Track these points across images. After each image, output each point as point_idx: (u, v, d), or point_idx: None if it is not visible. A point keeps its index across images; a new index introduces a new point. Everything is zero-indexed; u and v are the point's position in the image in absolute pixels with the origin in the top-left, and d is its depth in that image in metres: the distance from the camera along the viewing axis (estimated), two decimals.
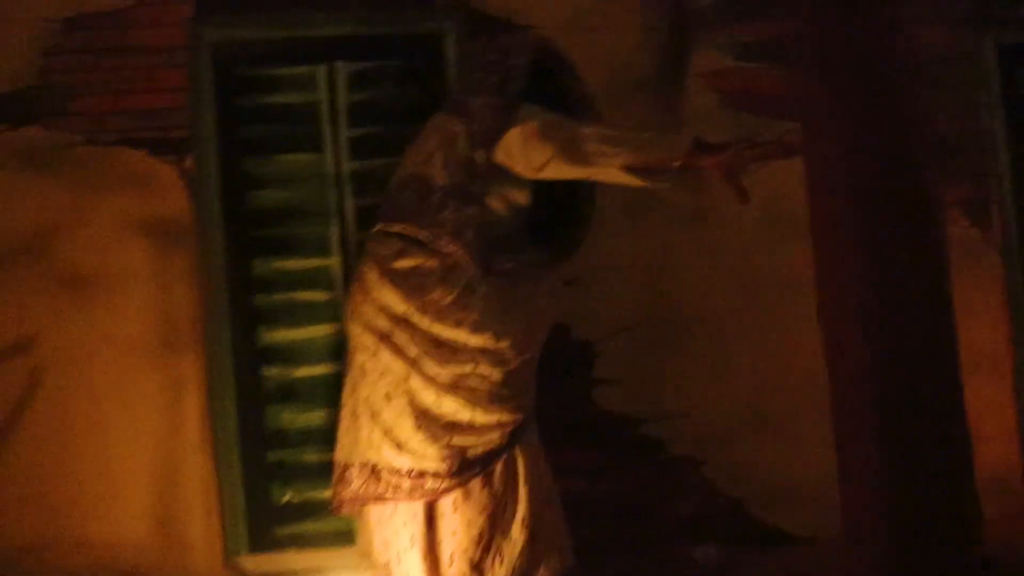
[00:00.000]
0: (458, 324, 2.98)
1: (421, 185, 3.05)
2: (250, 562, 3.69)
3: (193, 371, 3.69)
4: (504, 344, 3.00)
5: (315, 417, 3.74)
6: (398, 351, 3.01)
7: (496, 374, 3.01)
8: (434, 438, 2.98)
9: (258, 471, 3.75)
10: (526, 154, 2.95)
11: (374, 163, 3.77)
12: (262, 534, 3.73)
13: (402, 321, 3.01)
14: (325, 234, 3.85)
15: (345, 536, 3.70)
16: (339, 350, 3.27)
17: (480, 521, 3.02)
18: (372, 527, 3.11)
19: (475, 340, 2.99)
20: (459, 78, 3.65)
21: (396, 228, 3.06)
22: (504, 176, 3.03)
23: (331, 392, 3.27)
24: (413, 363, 2.99)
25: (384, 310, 3.03)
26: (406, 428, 2.99)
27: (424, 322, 2.99)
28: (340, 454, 3.13)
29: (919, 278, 2.74)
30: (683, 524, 3.88)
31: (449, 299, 2.98)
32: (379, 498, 3.03)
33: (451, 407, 2.99)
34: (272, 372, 3.81)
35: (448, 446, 2.98)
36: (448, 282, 2.99)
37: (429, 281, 3.00)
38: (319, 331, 3.81)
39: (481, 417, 3.01)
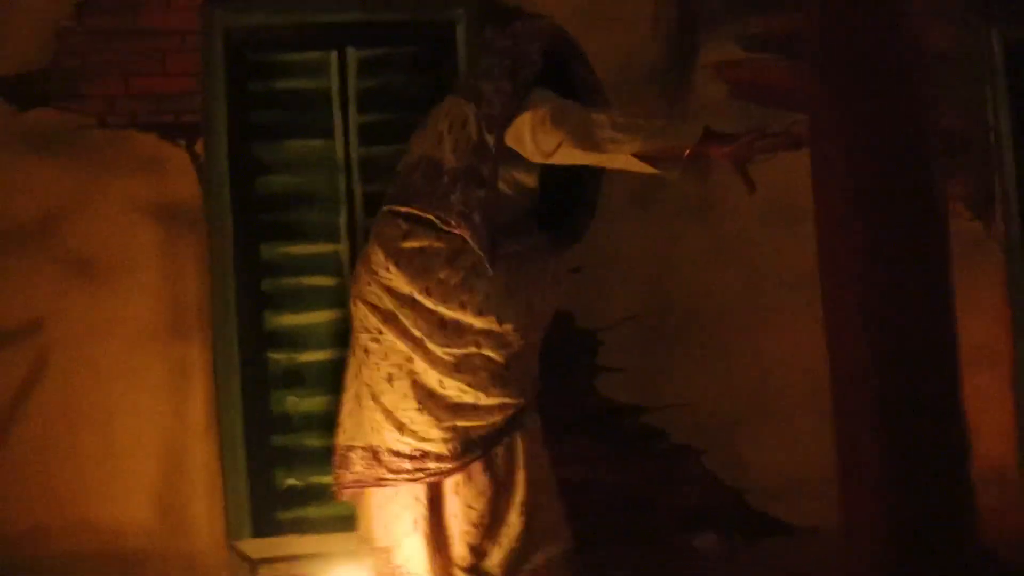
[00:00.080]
0: (463, 306, 2.98)
1: (430, 167, 3.04)
2: (252, 546, 3.64)
3: (199, 355, 3.70)
4: (507, 327, 3.01)
5: (320, 402, 3.75)
6: (403, 332, 3.01)
7: (499, 356, 3.01)
8: (437, 420, 2.99)
9: (262, 456, 3.76)
10: (536, 139, 2.94)
11: (383, 150, 3.78)
12: (265, 518, 3.75)
13: (408, 301, 3.01)
14: (333, 220, 3.86)
15: (347, 521, 3.65)
16: (345, 336, 3.28)
17: (480, 504, 3.03)
18: (372, 512, 3.11)
19: (479, 322, 2.99)
20: (471, 62, 3.67)
21: (404, 209, 3.06)
22: (513, 160, 3.02)
23: (336, 378, 3.27)
24: (417, 344, 3.00)
25: (390, 291, 3.03)
26: (408, 410, 3.00)
27: (429, 303, 2.99)
28: (342, 438, 3.14)
29: (921, 274, 2.75)
30: (683, 513, 3.91)
31: (455, 280, 2.98)
32: (380, 481, 3.03)
33: (454, 389, 3.00)
34: (278, 357, 3.82)
35: (451, 428, 2.99)
36: (454, 264, 2.99)
37: (436, 262, 3.00)
38: (325, 316, 3.82)
39: (484, 399, 3.01)
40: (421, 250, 3.01)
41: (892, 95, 2.76)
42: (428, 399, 3.00)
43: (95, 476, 3.62)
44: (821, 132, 2.84)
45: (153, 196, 3.71)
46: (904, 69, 2.78)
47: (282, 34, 3.85)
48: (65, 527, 3.59)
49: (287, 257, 3.84)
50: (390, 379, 3.02)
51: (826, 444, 2.91)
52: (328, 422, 3.29)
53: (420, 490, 3.03)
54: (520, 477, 3.06)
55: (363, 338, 3.07)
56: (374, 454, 3.04)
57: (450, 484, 3.04)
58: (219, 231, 3.73)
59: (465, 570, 3.05)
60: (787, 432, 3.92)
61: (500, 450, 3.05)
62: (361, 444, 3.07)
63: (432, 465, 2.99)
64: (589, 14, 3.80)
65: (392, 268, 3.03)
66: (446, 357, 2.99)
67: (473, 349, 3.00)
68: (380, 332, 3.04)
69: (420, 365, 3.00)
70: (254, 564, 3.16)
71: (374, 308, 3.05)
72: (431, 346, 2.99)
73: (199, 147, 3.73)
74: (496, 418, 3.03)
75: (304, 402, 3.81)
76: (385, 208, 3.15)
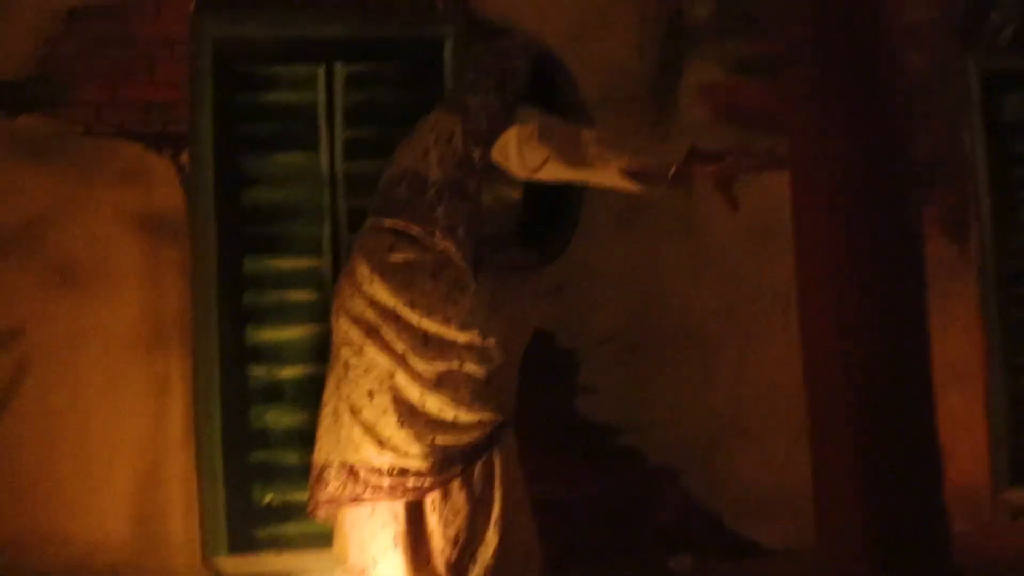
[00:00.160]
0: (447, 320, 2.99)
1: (416, 180, 3.05)
2: (229, 563, 3.66)
3: (179, 368, 3.67)
4: (490, 341, 3.01)
5: (299, 418, 3.74)
6: (385, 346, 3.01)
7: (481, 372, 3.01)
8: (418, 436, 2.98)
9: (240, 471, 3.73)
10: (522, 155, 2.96)
11: (369, 165, 3.77)
12: (242, 535, 3.71)
13: (391, 315, 3.01)
14: (317, 234, 3.86)
15: (325, 538, 3.61)
16: (326, 351, 3.26)
17: (457, 522, 3.02)
18: (347, 531, 3.09)
19: (463, 336, 2.99)
20: (458, 79, 3.68)
21: (389, 223, 3.06)
22: (498, 174, 3.04)
23: (316, 394, 3.24)
24: (400, 359, 2.99)
25: (373, 304, 3.03)
26: (389, 425, 2.98)
27: (414, 317, 2.99)
28: (319, 455, 3.11)
29: (897, 296, 2.80)
30: (660, 534, 3.91)
31: (439, 294, 2.99)
32: (357, 499, 3.01)
33: (435, 405, 2.99)
34: (258, 372, 3.81)
35: (431, 444, 2.98)
36: (438, 277, 3.00)
37: (420, 275, 3.00)
38: (307, 331, 3.82)
39: (464, 416, 3.00)
40: (406, 263, 3.02)
41: (871, 120, 2.82)
42: (409, 415, 2.99)
43: (71, 489, 3.58)
44: (801, 155, 2.89)
45: (138, 206, 3.69)
46: (883, 95, 2.84)
47: (271, 47, 3.86)
48: (41, 541, 3.55)
49: (270, 270, 3.84)
50: (371, 395, 3.01)
51: (802, 465, 2.94)
52: (307, 438, 3.27)
53: (399, 507, 3.01)
54: (497, 494, 3.05)
55: (344, 352, 3.06)
56: (351, 471, 3.02)
57: (428, 501, 3.02)
58: (202, 243, 3.72)
59: None
60: (764, 453, 3.95)
61: (478, 467, 3.03)
62: (337, 461, 3.05)
63: (411, 482, 2.98)
64: (575, 34, 3.86)
65: (376, 280, 3.02)
66: (428, 373, 2.98)
67: (456, 364, 3.00)
68: (362, 346, 3.03)
69: (402, 380, 2.99)
70: None
71: (356, 321, 3.04)
72: (413, 361, 2.98)
73: (185, 158, 3.73)
74: (476, 434, 3.02)
75: (284, 418, 3.79)
76: (369, 221, 3.15)
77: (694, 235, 3.96)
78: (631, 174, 2.85)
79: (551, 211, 3.25)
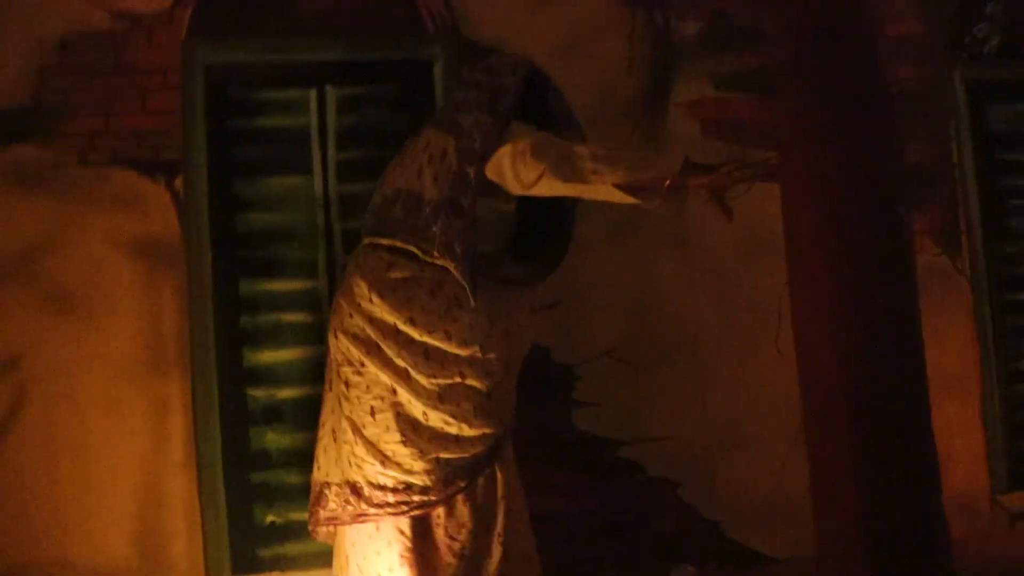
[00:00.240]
0: (448, 336, 2.99)
1: (411, 199, 3.06)
2: None
3: (178, 391, 3.69)
4: (491, 356, 3.02)
5: (299, 439, 3.74)
6: (386, 363, 3.01)
7: (483, 386, 3.02)
8: (421, 452, 2.98)
9: (241, 492, 3.75)
10: (516, 171, 2.97)
11: (362, 187, 3.78)
12: (244, 555, 3.73)
13: (391, 332, 3.01)
14: (312, 256, 3.88)
15: (326, 558, 3.59)
16: (323, 372, 3.30)
17: (462, 536, 3.02)
18: (346, 551, 3.09)
19: (464, 351, 3.00)
20: (448, 96, 3.69)
21: (386, 242, 3.07)
22: (493, 188, 3.04)
23: (315, 414, 3.24)
24: (401, 375, 3.00)
25: (373, 321, 3.03)
26: (392, 442, 2.98)
27: (415, 333, 2.99)
28: (318, 473, 3.12)
29: (889, 305, 2.82)
30: (660, 545, 3.92)
31: (439, 311, 3.00)
32: (359, 517, 3.01)
33: (438, 420, 2.99)
34: (257, 393, 3.82)
35: (435, 460, 2.98)
36: (437, 294, 3.01)
37: (419, 292, 3.01)
38: (304, 353, 3.83)
39: (467, 430, 3.00)
40: (404, 280, 3.02)
41: (859, 132, 2.85)
42: (412, 431, 2.99)
43: (74, 513, 3.60)
44: (791, 168, 2.92)
45: (133, 232, 3.71)
46: (871, 107, 2.87)
47: (262, 72, 3.88)
48: (42, 566, 3.56)
49: (266, 293, 3.86)
50: (372, 412, 3.01)
51: (801, 474, 2.96)
52: (307, 458, 3.27)
53: (404, 523, 3.01)
54: (500, 508, 3.06)
55: (344, 371, 3.06)
56: (353, 489, 3.02)
57: (433, 516, 3.02)
58: (198, 267, 3.74)
59: None
60: (762, 461, 3.97)
61: (481, 481, 3.04)
62: (337, 480, 3.05)
63: (416, 498, 2.98)
64: (564, 53, 3.87)
65: (375, 298, 3.03)
66: (431, 387, 2.99)
67: (457, 379, 3.00)
68: (362, 364, 3.03)
69: (404, 396, 3.00)
70: None
71: (356, 339, 3.04)
72: (416, 376, 2.99)
73: (179, 183, 3.75)
74: (479, 448, 3.02)
75: (283, 438, 3.81)
76: (366, 241, 3.16)
77: (687, 248, 3.98)
78: (626, 187, 2.86)
79: (545, 226, 3.26)
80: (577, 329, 3.92)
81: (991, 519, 4.15)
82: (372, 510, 2.99)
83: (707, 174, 2.84)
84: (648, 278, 4.00)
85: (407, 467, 2.99)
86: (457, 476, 3.01)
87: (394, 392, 3.01)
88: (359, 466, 3.01)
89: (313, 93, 3.91)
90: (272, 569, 3.73)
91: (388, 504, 2.98)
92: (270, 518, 3.78)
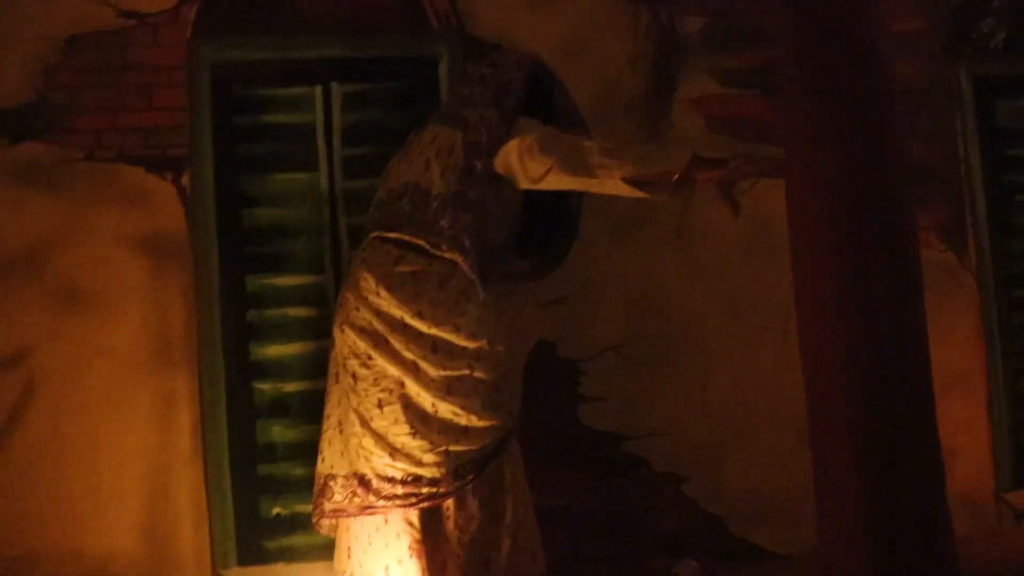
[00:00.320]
0: (456, 329, 3.01)
1: (418, 193, 3.09)
2: (239, 575, 3.70)
3: (185, 385, 3.72)
4: (499, 349, 3.04)
5: (305, 432, 3.76)
6: (394, 356, 3.03)
7: (490, 378, 3.04)
8: (431, 444, 3.00)
9: (248, 485, 3.78)
10: (524, 166, 3.00)
11: (367, 183, 3.77)
12: (251, 547, 3.76)
13: (399, 325, 3.03)
14: (318, 251, 3.90)
15: (332, 550, 3.63)
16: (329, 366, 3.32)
17: (472, 528, 3.05)
18: (349, 544, 3.11)
19: (472, 344, 3.02)
20: (452, 92, 3.70)
21: (394, 236, 3.09)
22: (500, 184, 3.07)
23: (321, 407, 3.28)
24: (410, 367, 3.02)
25: (380, 314, 3.05)
26: (401, 435, 3.00)
27: (423, 326, 3.02)
28: (322, 466, 3.14)
29: (894, 302, 2.81)
30: (664, 540, 3.94)
31: (447, 304, 3.02)
32: (366, 509, 3.03)
33: (447, 412, 3.02)
34: (263, 387, 3.84)
35: (444, 452, 3.00)
36: (445, 288, 3.03)
37: (427, 286, 3.03)
38: (310, 347, 3.84)
39: (476, 422, 3.03)
40: (412, 274, 3.05)
41: (864, 128, 2.83)
42: (421, 423, 3.01)
43: (81, 505, 3.63)
44: (795, 165, 2.91)
45: (140, 228, 3.74)
46: (876, 103, 2.85)
47: (268, 69, 3.90)
48: (52, 557, 3.59)
49: (272, 288, 3.88)
50: (380, 404, 3.03)
51: (805, 470, 2.95)
52: (313, 451, 3.30)
53: (414, 515, 3.03)
54: (508, 500, 3.09)
55: (351, 364, 3.08)
56: (361, 481, 3.04)
57: (443, 509, 3.05)
58: (205, 263, 3.76)
59: None
60: (766, 458, 3.97)
61: (488, 473, 3.06)
62: (343, 472, 3.08)
63: (425, 490, 3.00)
64: (569, 50, 3.88)
65: (383, 292, 3.05)
66: (439, 380, 3.01)
67: (466, 371, 3.03)
68: (369, 357, 3.06)
69: (412, 388, 3.02)
70: None
71: (363, 332, 3.06)
72: (424, 369, 3.01)
73: (185, 180, 3.77)
74: (486, 441, 3.05)
75: (290, 431, 3.83)
76: (373, 235, 3.17)
77: (691, 244, 3.97)
78: (634, 181, 2.88)
79: (550, 221, 3.28)
80: (582, 325, 3.93)
81: (996, 517, 4.15)
82: (380, 502, 3.02)
83: (715, 168, 2.86)
84: (652, 274, 4.00)
85: (417, 459, 3.01)
86: (467, 469, 3.04)
87: (402, 385, 3.03)
88: (367, 458, 3.04)
89: (319, 90, 3.92)
90: (278, 560, 3.76)
91: (397, 496, 3.01)
92: (276, 510, 3.80)
